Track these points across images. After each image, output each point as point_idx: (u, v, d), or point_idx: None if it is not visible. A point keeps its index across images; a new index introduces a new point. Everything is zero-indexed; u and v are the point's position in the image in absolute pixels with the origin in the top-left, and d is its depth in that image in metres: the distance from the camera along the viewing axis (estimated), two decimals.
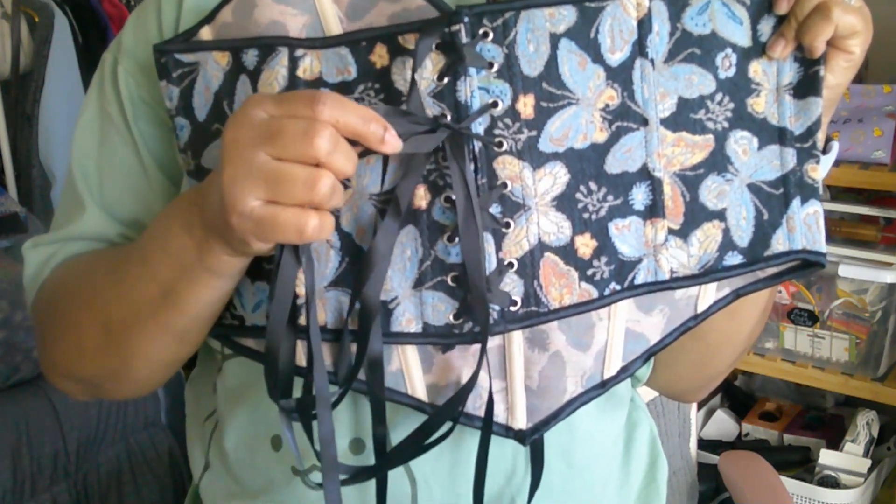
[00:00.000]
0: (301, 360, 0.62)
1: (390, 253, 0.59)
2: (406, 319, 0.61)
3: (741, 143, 0.62)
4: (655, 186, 0.61)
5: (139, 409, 1.52)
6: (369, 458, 0.66)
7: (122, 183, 0.72)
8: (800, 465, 1.93)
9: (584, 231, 0.61)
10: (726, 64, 0.61)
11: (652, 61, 0.60)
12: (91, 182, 0.73)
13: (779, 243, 0.62)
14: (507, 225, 0.60)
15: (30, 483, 1.36)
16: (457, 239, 0.59)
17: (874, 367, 1.80)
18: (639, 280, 0.62)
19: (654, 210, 0.61)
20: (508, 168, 0.59)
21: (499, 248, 0.60)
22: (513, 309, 0.61)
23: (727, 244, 0.62)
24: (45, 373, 0.76)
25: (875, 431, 1.90)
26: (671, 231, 0.62)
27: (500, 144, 0.59)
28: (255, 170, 0.52)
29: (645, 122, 0.61)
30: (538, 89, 0.59)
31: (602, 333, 0.64)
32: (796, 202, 0.62)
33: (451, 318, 0.61)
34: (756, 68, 0.61)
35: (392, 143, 0.54)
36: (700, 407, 2.03)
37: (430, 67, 0.59)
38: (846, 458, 1.83)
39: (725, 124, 0.61)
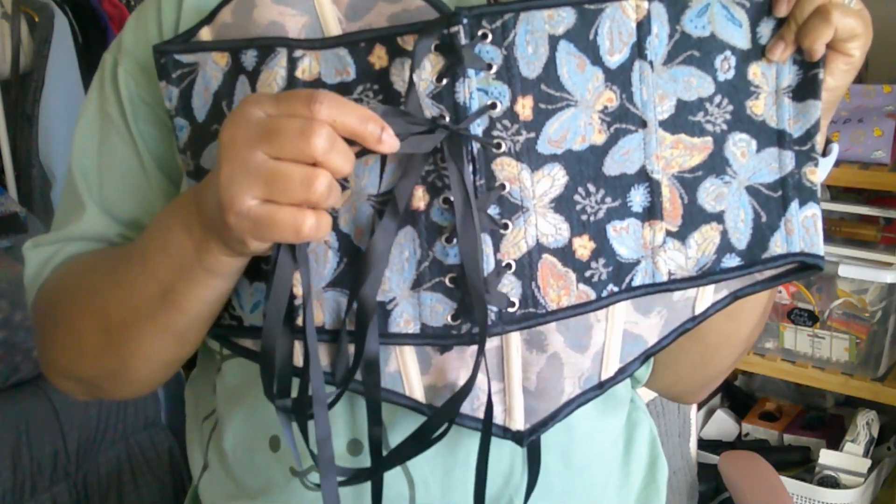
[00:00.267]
0: (298, 360, 0.62)
1: (388, 253, 0.59)
2: (404, 320, 0.61)
3: (740, 146, 0.62)
4: (654, 188, 0.61)
5: (139, 409, 1.52)
6: (367, 459, 0.66)
7: (122, 183, 0.72)
8: (800, 465, 1.93)
9: (583, 233, 0.61)
10: (725, 66, 0.61)
11: (651, 63, 0.60)
12: (91, 182, 0.73)
13: (777, 246, 0.62)
14: (506, 226, 0.60)
15: (30, 483, 1.37)
16: (455, 240, 0.59)
17: (874, 367, 1.80)
18: (637, 282, 0.62)
19: (652, 212, 0.61)
20: (507, 169, 0.59)
21: (497, 249, 0.60)
22: (511, 310, 0.61)
23: (725, 246, 0.62)
24: (45, 373, 0.76)
25: (875, 431, 1.90)
26: (669, 233, 0.62)
27: (498, 146, 0.59)
28: (253, 169, 0.52)
29: (643, 124, 0.61)
30: (537, 91, 0.59)
31: (600, 335, 0.64)
32: (794, 205, 0.62)
33: (449, 319, 0.61)
34: (755, 71, 0.61)
35: (389, 142, 0.54)
36: (700, 407, 2.03)
37: (429, 69, 0.59)
38: (846, 458, 1.83)
39: (724, 126, 0.61)
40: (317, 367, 0.58)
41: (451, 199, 0.58)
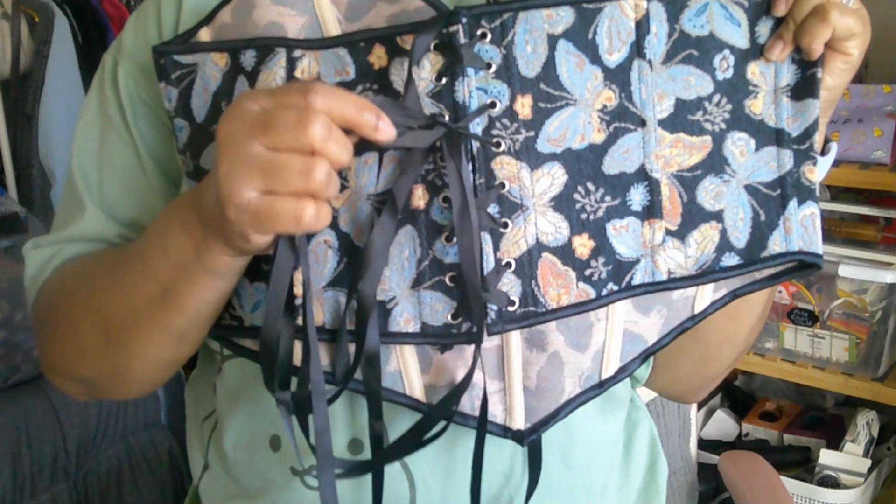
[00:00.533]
0: (298, 361, 0.62)
1: (387, 249, 0.59)
2: (404, 319, 0.62)
3: (738, 145, 0.62)
4: (653, 187, 0.61)
5: (139, 409, 1.52)
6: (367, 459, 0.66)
7: (121, 184, 0.72)
8: (800, 465, 1.93)
9: (582, 231, 0.61)
10: (724, 65, 0.61)
11: (650, 62, 0.60)
12: (91, 183, 0.73)
13: (775, 244, 0.62)
14: (505, 225, 0.60)
15: (30, 483, 1.37)
16: (455, 239, 0.59)
17: (874, 367, 1.80)
18: (636, 280, 0.62)
19: (651, 211, 0.61)
20: (506, 168, 0.59)
21: (496, 248, 0.60)
22: (511, 309, 0.61)
23: (724, 245, 0.62)
24: (45, 373, 0.76)
25: (875, 431, 1.90)
26: (669, 232, 0.62)
27: (497, 145, 0.59)
28: (251, 161, 0.52)
29: (643, 123, 0.61)
30: (536, 90, 0.59)
31: (600, 334, 0.64)
32: (793, 203, 0.62)
33: (449, 317, 0.61)
34: (754, 70, 0.61)
35: (386, 130, 0.54)
36: (700, 407, 2.03)
37: (429, 68, 0.59)
38: (846, 458, 1.83)
39: (723, 126, 0.61)
40: (316, 359, 0.58)
41: (451, 197, 0.58)
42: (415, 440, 0.63)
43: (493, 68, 0.59)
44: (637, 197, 0.61)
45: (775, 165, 0.62)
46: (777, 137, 0.62)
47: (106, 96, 0.72)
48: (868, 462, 1.82)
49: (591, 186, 0.61)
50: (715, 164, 0.62)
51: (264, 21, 0.63)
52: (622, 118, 0.60)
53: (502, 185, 0.60)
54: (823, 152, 0.66)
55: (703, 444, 1.95)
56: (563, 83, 0.59)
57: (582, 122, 0.60)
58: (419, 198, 0.60)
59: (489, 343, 0.63)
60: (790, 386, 2.08)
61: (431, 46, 0.58)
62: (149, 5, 0.71)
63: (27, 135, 2.26)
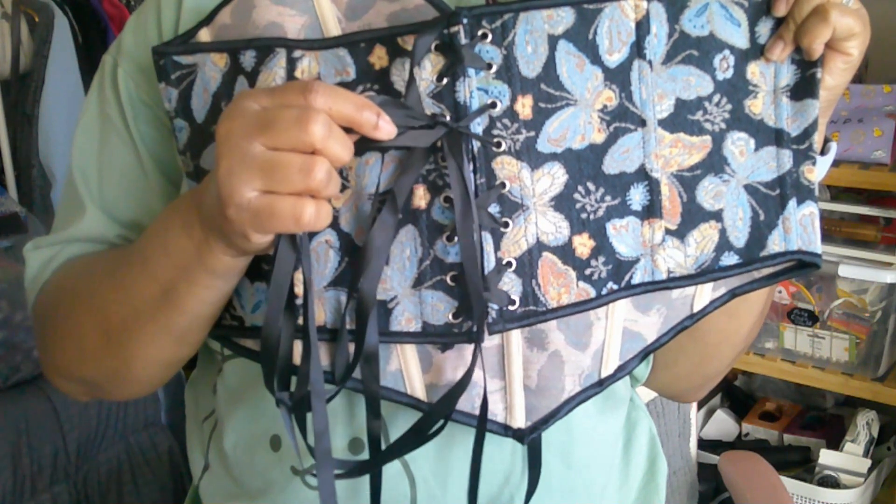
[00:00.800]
0: (298, 360, 0.62)
1: (387, 247, 0.59)
2: (405, 319, 0.62)
3: (738, 145, 0.62)
4: (653, 187, 0.61)
5: (139, 409, 1.52)
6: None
7: (121, 184, 0.72)
8: (800, 465, 1.93)
9: (582, 231, 0.61)
10: (724, 65, 0.61)
11: (650, 63, 0.60)
12: (91, 184, 0.73)
13: (775, 244, 0.62)
14: (506, 224, 0.60)
15: (30, 483, 1.37)
16: (456, 239, 0.59)
17: (874, 367, 1.80)
18: (636, 280, 0.62)
19: (651, 210, 0.61)
20: (507, 168, 0.60)
21: (497, 247, 0.60)
22: (511, 308, 0.61)
23: (724, 245, 0.62)
24: (45, 374, 0.76)
25: (875, 431, 1.90)
26: (668, 231, 0.62)
27: (498, 144, 0.59)
28: (250, 160, 0.52)
29: (643, 122, 0.61)
30: (536, 90, 0.59)
31: (600, 333, 0.65)
32: (792, 203, 0.62)
33: (450, 317, 0.61)
34: (754, 70, 0.61)
35: (386, 128, 0.54)
36: (700, 407, 2.03)
37: (430, 68, 0.59)
38: (846, 458, 1.83)
39: (723, 125, 0.62)
40: (316, 359, 0.58)
41: (452, 197, 0.58)
42: (415, 439, 0.63)
43: (494, 69, 0.59)
44: (637, 196, 0.61)
45: (775, 165, 0.62)
46: (776, 137, 0.62)
47: (106, 97, 0.72)
48: (868, 462, 1.82)
49: (591, 186, 0.61)
50: (715, 163, 0.62)
51: (264, 21, 0.63)
52: (622, 118, 0.60)
53: (503, 185, 0.60)
54: (823, 152, 0.66)
55: (703, 444, 1.95)
56: (564, 83, 0.59)
57: (582, 122, 0.60)
58: (420, 198, 0.60)
59: (490, 342, 0.63)
60: (790, 386, 2.08)
61: (432, 47, 0.58)
62: (149, 6, 0.71)
63: (27, 135, 2.26)
